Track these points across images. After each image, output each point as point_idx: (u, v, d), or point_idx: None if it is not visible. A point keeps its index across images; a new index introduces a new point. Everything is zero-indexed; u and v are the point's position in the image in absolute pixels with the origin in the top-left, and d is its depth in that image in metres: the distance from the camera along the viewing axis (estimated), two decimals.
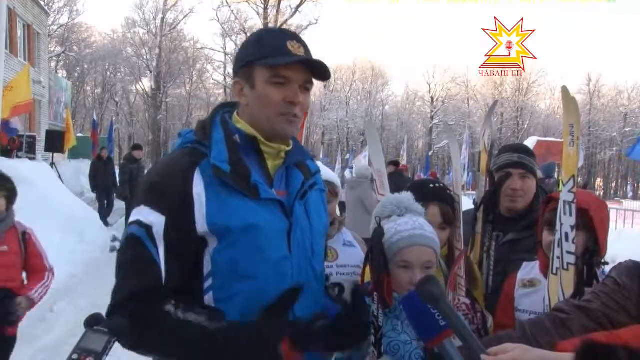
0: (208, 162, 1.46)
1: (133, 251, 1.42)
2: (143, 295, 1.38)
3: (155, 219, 1.42)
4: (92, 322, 1.32)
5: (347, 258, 2.42)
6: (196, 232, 1.43)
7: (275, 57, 1.47)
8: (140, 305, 1.36)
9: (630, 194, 47.10)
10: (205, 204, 1.42)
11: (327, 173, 2.33)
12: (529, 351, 1.21)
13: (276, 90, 1.49)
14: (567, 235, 1.90)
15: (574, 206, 1.89)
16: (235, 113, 1.60)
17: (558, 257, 1.93)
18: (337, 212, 2.68)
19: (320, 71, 1.54)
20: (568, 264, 1.89)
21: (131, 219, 1.46)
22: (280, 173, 1.59)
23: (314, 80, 1.56)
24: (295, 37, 1.54)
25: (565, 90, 2.04)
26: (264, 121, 1.52)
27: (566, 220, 1.90)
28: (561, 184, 1.98)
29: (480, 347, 1.23)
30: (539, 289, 2.13)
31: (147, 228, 1.41)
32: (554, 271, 1.95)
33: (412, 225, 1.78)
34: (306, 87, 1.53)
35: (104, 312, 1.41)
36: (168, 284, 1.40)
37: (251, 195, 1.46)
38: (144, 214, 1.43)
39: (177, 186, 1.43)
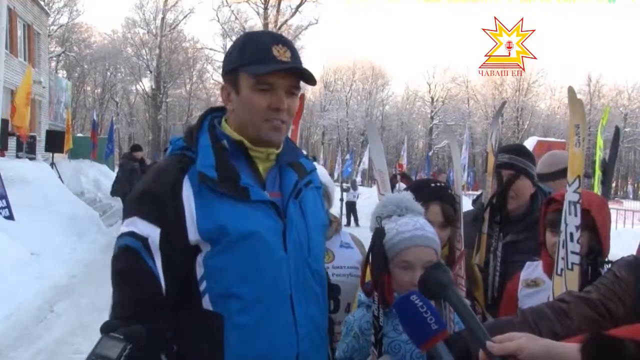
0: (196, 168, 1.45)
1: (130, 263, 1.41)
2: (144, 309, 1.37)
3: (150, 231, 1.41)
4: (109, 328, 1.31)
5: (343, 259, 2.41)
6: (188, 241, 1.42)
7: (258, 65, 1.45)
8: (141, 324, 1.30)
9: (630, 194, 47.05)
10: (195, 212, 1.42)
11: (322, 176, 2.29)
12: (535, 340, 1.21)
13: (261, 97, 1.47)
14: (571, 235, 1.88)
15: (579, 206, 1.88)
16: (224, 119, 1.58)
17: (563, 258, 1.91)
18: (337, 213, 2.65)
19: (305, 76, 1.52)
20: (573, 264, 1.88)
21: (124, 229, 1.45)
22: (273, 174, 1.57)
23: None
24: (281, 40, 1.51)
25: (571, 91, 2.02)
26: (250, 127, 1.51)
27: (571, 221, 1.89)
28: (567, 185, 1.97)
29: (486, 334, 1.23)
30: (542, 288, 2.11)
31: (143, 240, 1.40)
32: (559, 272, 1.93)
33: (413, 225, 1.77)
34: (292, 92, 1.51)
35: (104, 313, 1.41)
36: (167, 295, 1.40)
37: (241, 198, 1.45)
38: (138, 225, 1.42)
39: (167, 196, 1.42)
